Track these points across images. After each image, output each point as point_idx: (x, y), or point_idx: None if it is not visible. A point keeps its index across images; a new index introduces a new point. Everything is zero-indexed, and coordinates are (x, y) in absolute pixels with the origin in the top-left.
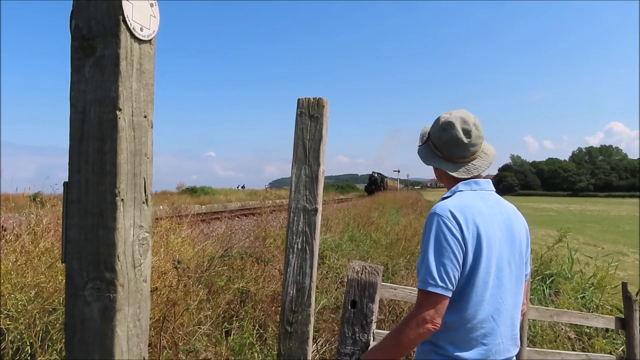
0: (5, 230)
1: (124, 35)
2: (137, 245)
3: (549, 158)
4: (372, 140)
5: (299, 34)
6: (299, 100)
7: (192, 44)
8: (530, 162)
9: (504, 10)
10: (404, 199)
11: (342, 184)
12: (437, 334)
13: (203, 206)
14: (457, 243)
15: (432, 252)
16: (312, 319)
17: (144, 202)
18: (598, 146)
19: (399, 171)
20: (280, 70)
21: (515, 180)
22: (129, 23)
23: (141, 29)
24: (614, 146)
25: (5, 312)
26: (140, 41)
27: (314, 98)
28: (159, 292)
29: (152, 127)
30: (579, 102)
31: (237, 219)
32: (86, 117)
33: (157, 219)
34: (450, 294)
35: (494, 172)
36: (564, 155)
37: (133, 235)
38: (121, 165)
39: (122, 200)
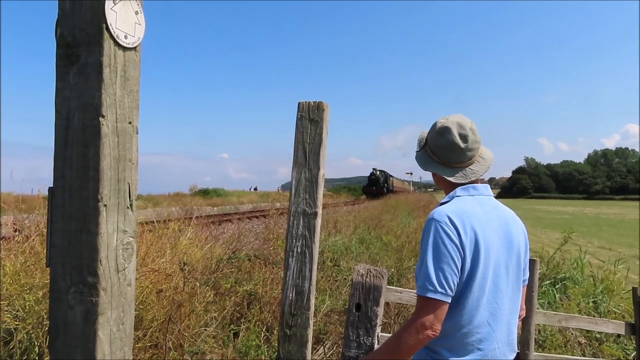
0: (16, 232)
1: (107, 43)
2: (120, 250)
3: (563, 160)
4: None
5: (317, 35)
6: (299, 104)
7: (208, 46)
8: (545, 164)
9: (516, 10)
10: (416, 202)
11: (354, 186)
12: (433, 339)
13: (215, 208)
14: (456, 248)
15: (431, 258)
16: (312, 323)
17: (128, 207)
18: (614, 148)
19: (411, 173)
20: (295, 72)
21: (530, 183)
22: (112, 31)
23: (125, 37)
24: (630, 148)
25: (13, 312)
26: (124, 48)
27: (314, 102)
28: (163, 294)
29: (137, 133)
30: (595, 103)
31: (248, 220)
32: (70, 123)
33: (166, 220)
34: (449, 300)
35: (508, 174)
36: (580, 157)
37: (117, 240)
38: (104, 171)
39: (105, 205)
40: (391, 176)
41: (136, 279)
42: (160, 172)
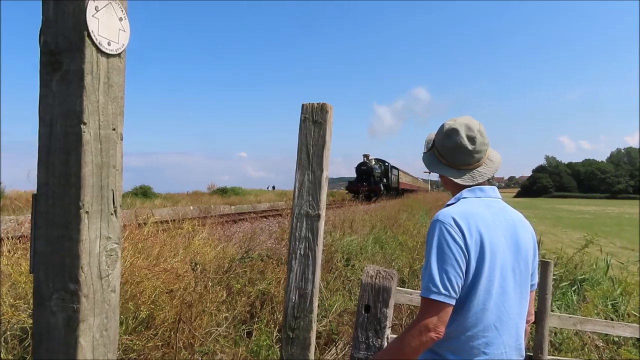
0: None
1: (89, 50)
2: (104, 257)
3: (585, 159)
4: (404, 140)
5: (334, 34)
6: (303, 105)
7: (226, 45)
8: (566, 163)
9: (536, 6)
10: (434, 201)
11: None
12: (437, 342)
13: (232, 207)
14: (460, 250)
15: (435, 259)
16: (315, 325)
17: (112, 214)
18: (638, 147)
19: (429, 172)
20: (311, 71)
21: (550, 182)
22: (94, 38)
23: (108, 44)
24: None
25: (29, 310)
26: (107, 55)
27: (317, 103)
28: (175, 294)
29: (121, 140)
30: (618, 100)
31: (264, 220)
32: (53, 130)
33: (181, 220)
34: (453, 302)
35: (528, 173)
36: (602, 156)
37: (99, 247)
38: (86, 178)
39: (87, 212)
40: (395, 168)
41: (148, 278)
42: (179, 171)
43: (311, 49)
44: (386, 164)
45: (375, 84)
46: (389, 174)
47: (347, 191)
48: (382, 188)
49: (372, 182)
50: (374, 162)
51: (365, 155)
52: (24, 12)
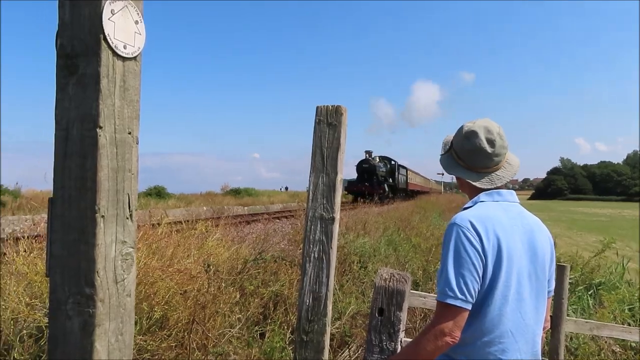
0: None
1: (105, 54)
2: (119, 261)
3: (601, 161)
4: (421, 140)
5: (349, 33)
6: (317, 108)
7: (238, 45)
8: (582, 165)
9: (552, 6)
10: (448, 202)
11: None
12: (453, 347)
13: (245, 207)
14: (477, 254)
15: (451, 263)
16: (329, 329)
17: (127, 218)
18: None
19: (443, 174)
20: (325, 71)
21: (565, 184)
22: (110, 41)
23: (124, 47)
24: None
25: (45, 309)
26: (123, 58)
27: (332, 106)
28: (188, 294)
29: (137, 143)
30: (635, 101)
31: (277, 221)
32: (69, 134)
33: (195, 220)
34: (469, 307)
35: (542, 175)
36: (618, 158)
37: (115, 251)
38: (101, 182)
39: (103, 216)
40: (403, 167)
41: (162, 279)
42: (193, 172)
43: (325, 48)
44: (392, 162)
45: (377, 84)
46: (396, 173)
47: (346, 192)
48: (386, 189)
49: (374, 182)
50: (377, 160)
51: (368, 152)
52: (37, 13)
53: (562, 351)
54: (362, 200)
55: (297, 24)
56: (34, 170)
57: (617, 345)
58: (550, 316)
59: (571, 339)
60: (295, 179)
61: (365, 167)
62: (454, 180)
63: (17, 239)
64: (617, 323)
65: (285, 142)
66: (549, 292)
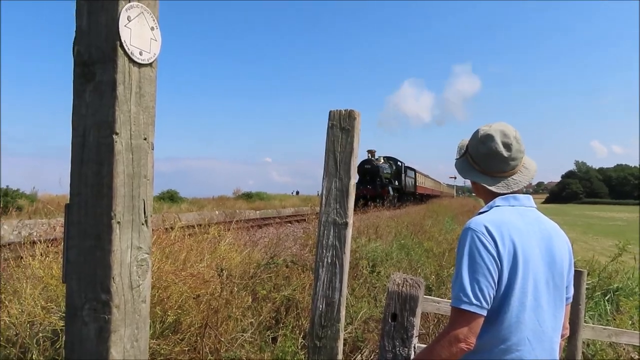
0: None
1: (122, 60)
2: (135, 267)
3: (617, 164)
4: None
5: (365, 37)
6: (330, 112)
7: (251, 50)
8: (597, 168)
9: (567, 9)
10: (460, 207)
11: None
12: (469, 354)
13: (257, 212)
14: (492, 260)
15: (466, 268)
16: (342, 334)
17: (143, 224)
18: None
19: (455, 178)
20: (337, 77)
21: (580, 188)
22: (126, 48)
23: (140, 53)
24: None
25: (60, 313)
26: (139, 65)
27: (345, 110)
28: (201, 299)
29: (152, 149)
30: None
31: (289, 225)
32: (86, 140)
33: (208, 225)
34: (485, 313)
35: (557, 179)
36: (635, 161)
37: (130, 257)
38: (117, 188)
39: (119, 222)
40: (411, 169)
41: (175, 283)
42: (205, 176)
43: (339, 50)
44: (399, 163)
45: (378, 83)
46: (403, 175)
47: None
48: (390, 192)
49: (377, 184)
50: (382, 161)
51: (370, 152)
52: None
53: (579, 358)
54: (372, 204)
55: (308, 28)
56: (49, 174)
57: (636, 353)
58: None
59: (588, 345)
60: (307, 183)
61: (367, 168)
62: (465, 184)
63: (34, 242)
64: (635, 329)
65: (297, 145)
66: (567, 298)
